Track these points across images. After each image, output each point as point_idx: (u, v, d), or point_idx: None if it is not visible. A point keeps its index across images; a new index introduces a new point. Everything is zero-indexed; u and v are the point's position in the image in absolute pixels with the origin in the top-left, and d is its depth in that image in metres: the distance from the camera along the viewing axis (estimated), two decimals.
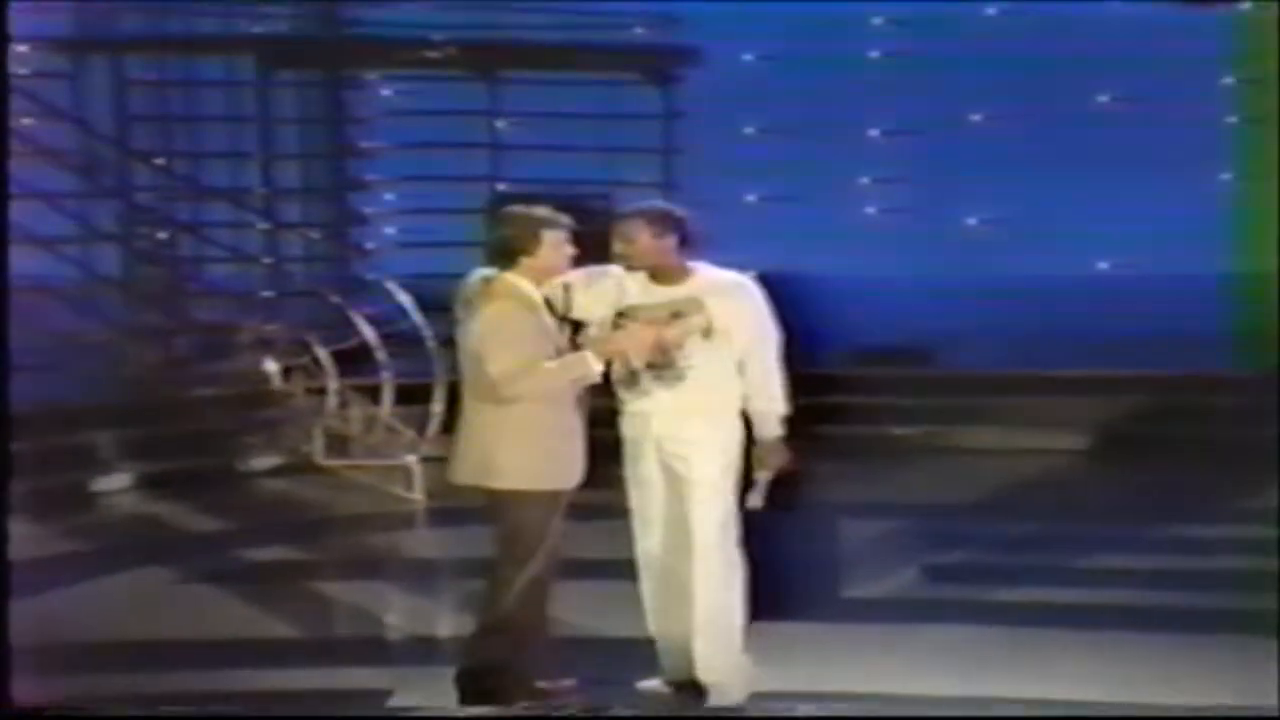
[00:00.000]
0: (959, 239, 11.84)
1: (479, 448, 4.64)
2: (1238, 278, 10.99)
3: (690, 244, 4.89)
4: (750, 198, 12.02)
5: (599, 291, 4.90)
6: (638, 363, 4.88)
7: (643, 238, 4.83)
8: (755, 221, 11.47)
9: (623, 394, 4.98)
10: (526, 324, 4.61)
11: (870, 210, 12.14)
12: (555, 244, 4.68)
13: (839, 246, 11.31)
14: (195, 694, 5.12)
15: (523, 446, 4.61)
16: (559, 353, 4.68)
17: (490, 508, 4.70)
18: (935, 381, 10.13)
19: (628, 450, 4.98)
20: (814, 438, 7.89)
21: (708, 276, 4.90)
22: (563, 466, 4.68)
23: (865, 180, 12.14)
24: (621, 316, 4.91)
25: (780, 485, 4.96)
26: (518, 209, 4.74)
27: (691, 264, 4.91)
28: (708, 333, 4.86)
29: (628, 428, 4.98)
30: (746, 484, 4.92)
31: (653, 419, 4.92)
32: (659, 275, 4.89)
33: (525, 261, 4.67)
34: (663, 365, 4.89)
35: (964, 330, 10.89)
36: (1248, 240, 10.96)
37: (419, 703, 4.95)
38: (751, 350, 4.88)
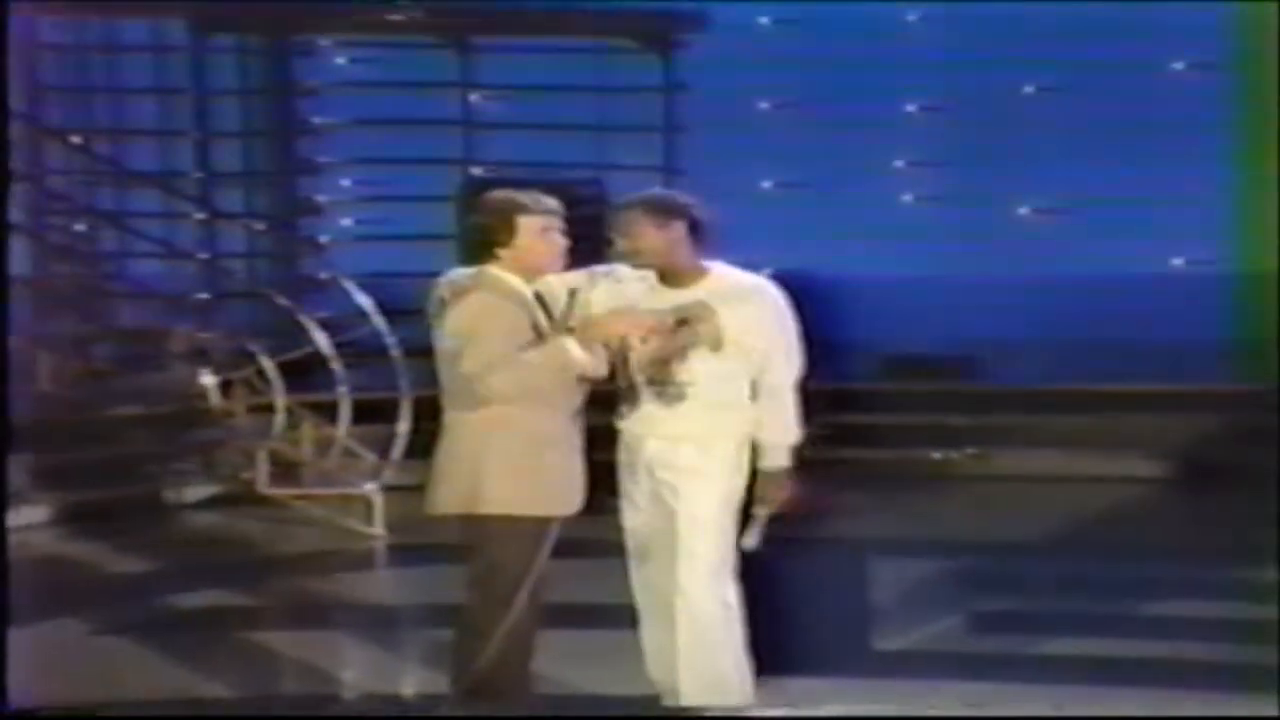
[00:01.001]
0: (1009, 231, 11.88)
1: (463, 469, 4.67)
2: None
3: (703, 238, 4.93)
4: (765, 184, 12.07)
5: (604, 293, 4.96)
6: (636, 369, 4.93)
7: (644, 230, 4.87)
8: (770, 212, 11.51)
9: (621, 410, 5.04)
10: (506, 316, 4.65)
11: (906, 198, 12.18)
12: (535, 231, 4.71)
13: (868, 240, 11.36)
14: None
15: (513, 466, 4.65)
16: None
17: (469, 540, 4.73)
18: (979, 397, 10.19)
19: (621, 474, 5.04)
20: (838, 463, 7.94)
21: (723, 278, 4.94)
22: (558, 489, 4.71)
23: (900, 163, 12.18)
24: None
25: (788, 521, 5.00)
26: (492, 195, 4.78)
27: (706, 263, 4.95)
28: (716, 344, 4.89)
29: (622, 449, 5.04)
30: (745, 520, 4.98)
31: (646, 441, 4.97)
32: (668, 276, 4.93)
33: (503, 254, 4.70)
34: (663, 380, 4.93)
35: (1014, 338, 10.95)
36: None
37: None
38: (766, 367, 4.91)
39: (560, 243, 4.76)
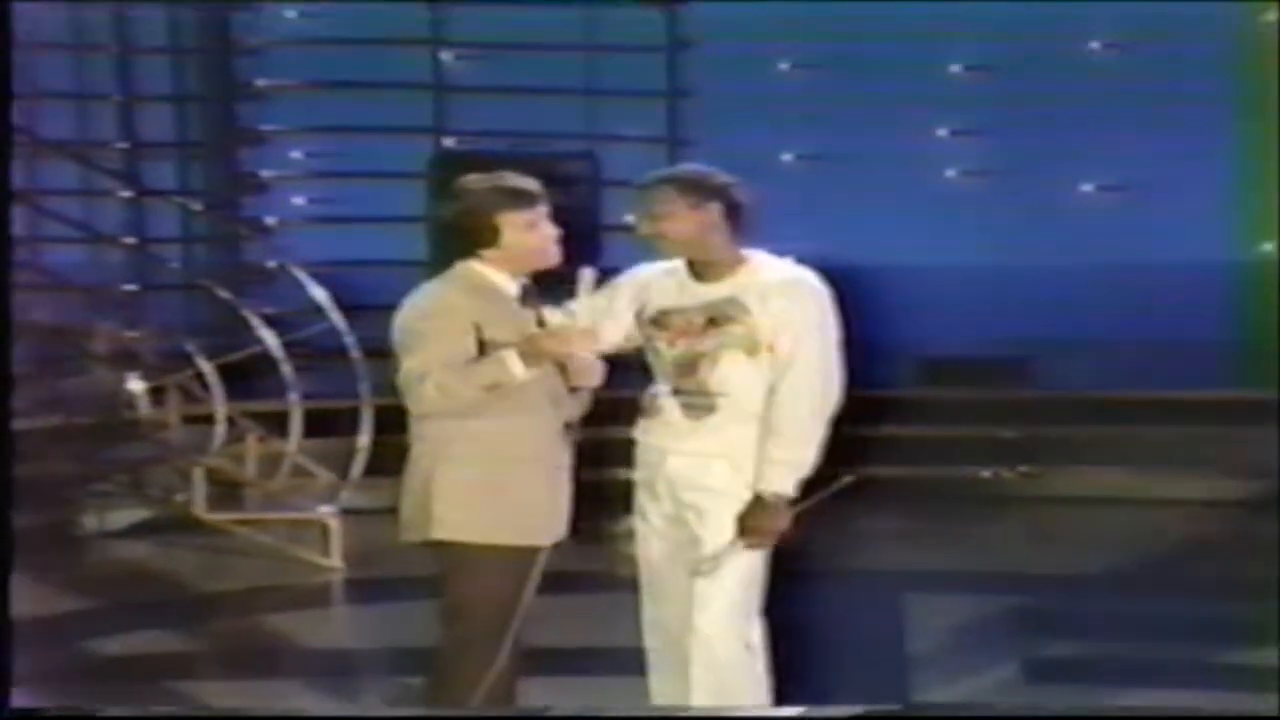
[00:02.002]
0: (1069, 212, 11.89)
1: (415, 489, 4.71)
2: None
3: (741, 223, 4.93)
4: (785, 157, 12.07)
5: (629, 291, 4.99)
6: (660, 376, 4.94)
7: (675, 211, 4.88)
8: (790, 189, 11.50)
9: (640, 422, 5.06)
10: (457, 316, 4.65)
11: (949, 173, 12.19)
12: (521, 228, 4.72)
13: (904, 222, 11.38)
14: None
15: (466, 486, 4.66)
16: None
17: (440, 572, 4.74)
18: (1034, 406, 10.20)
19: (637, 494, 5.06)
20: (871, 483, 7.95)
21: (760, 270, 4.94)
22: (531, 515, 4.72)
23: (942, 132, 12.19)
24: (654, 325, 5.00)
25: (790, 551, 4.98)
26: (472, 182, 4.79)
27: (745, 251, 4.96)
28: (751, 348, 4.90)
29: (640, 465, 5.05)
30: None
31: (669, 457, 4.98)
32: (700, 267, 4.95)
33: (488, 254, 4.73)
34: (690, 390, 4.94)
35: (1075, 336, 10.96)
36: None
37: None
38: (789, 370, 4.88)
39: (550, 233, 4.77)
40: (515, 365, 4.63)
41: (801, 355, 4.89)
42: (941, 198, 11.93)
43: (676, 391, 4.95)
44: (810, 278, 4.95)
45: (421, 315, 4.67)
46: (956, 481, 9.67)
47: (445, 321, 4.65)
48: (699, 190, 4.90)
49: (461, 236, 4.74)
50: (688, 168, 5.04)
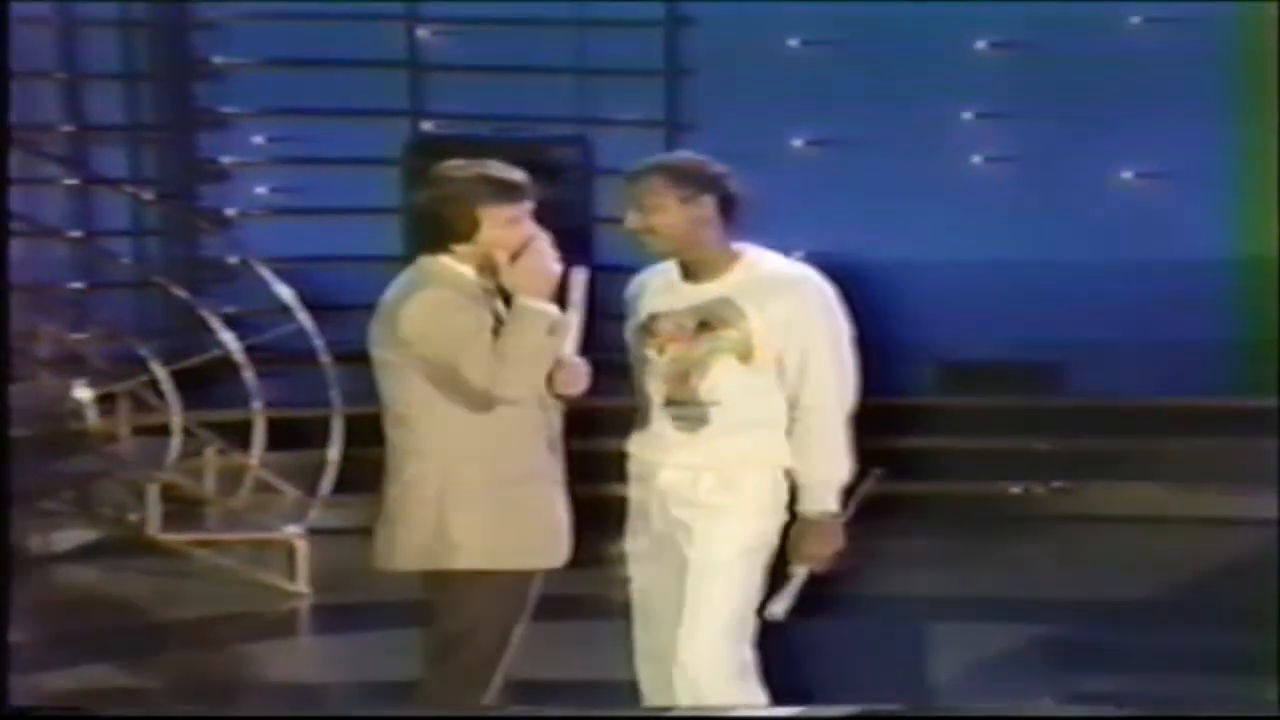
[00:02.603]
0: (1106, 202, 11.89)
1: (424, 514, 4.71)
2: None
3: (734, 218, 4.96)
4: (795, 142, 12.08)
5: (633, 298, 5.01)
6: (650, 385, 4.95)
7: (664, 203, 4.89)
8: (800, 178, 11.51)
9: (632, 435, 5.08)
10: (472, 312, 4.70)
11: (974, 159, 12.20)
12: (502, 223, 4.73)
13: (925, 213, 11.39)
14: None
15: (485, 507, 4.69)
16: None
17: (432, 603, 4.76)
18: (1068, 415, 10.23)
19: (630, 514, 5.07)
20: (888, 500, 7.92)
21: (755, 267, 4.95)
22: (541, 535, 4.77)
23: (967, 115, 12.20)
24: (644, 331, 5.02)
25: (824, 581, 5.01)
26: (453, 168, 4.79)
27: (739, 247, 4.98)
28: (745, 354, 4.92)
29: (632, 481, 5.08)
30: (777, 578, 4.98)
31: (660, 472, 5.00)
32: (691, 265, 4.97)
33: (461, 249, 4.74)
34: (681, 399, 4.95)
35: (1112, 338, 10.96)
36: None
37: None
38: (803, 381, 4.91)
39: (528, 232, 4.77)
40: (534, 303, 4.70)
41: (816, 363, 4.91)
42: (965, 187, 11.93)
43: (668, 403, 4.97)
44: (811, 275, 4.97)
45: (440, 315, 4.69)
46: (982, 498, 9.67)
47: (467, 313, 4.69)
48: (692, 181, 4.92)
49: (435, 228, 4.75)
50: (679, 156, 5.08)
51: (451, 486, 4.70)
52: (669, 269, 5.01)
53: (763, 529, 4.97)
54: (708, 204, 4.91)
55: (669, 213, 4.90)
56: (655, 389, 4.99)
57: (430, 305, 4.70)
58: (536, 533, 4.76)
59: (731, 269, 4.94)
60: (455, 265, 4.76)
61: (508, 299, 4.78)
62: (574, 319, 4.87)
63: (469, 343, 4.66)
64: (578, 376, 4.82)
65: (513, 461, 4.73)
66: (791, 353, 4.90)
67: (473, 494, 4.70)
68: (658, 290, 5.00)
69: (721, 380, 4.92)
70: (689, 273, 4.97)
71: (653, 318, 4.99)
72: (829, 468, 4.94)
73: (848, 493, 4.99)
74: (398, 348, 4.72)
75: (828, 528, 4.93)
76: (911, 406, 9.78)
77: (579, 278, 4.88)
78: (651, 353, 4.99)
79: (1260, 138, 11.40)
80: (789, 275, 4.95)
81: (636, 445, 5.05)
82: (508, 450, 4.72)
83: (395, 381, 4.75)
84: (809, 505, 4.93)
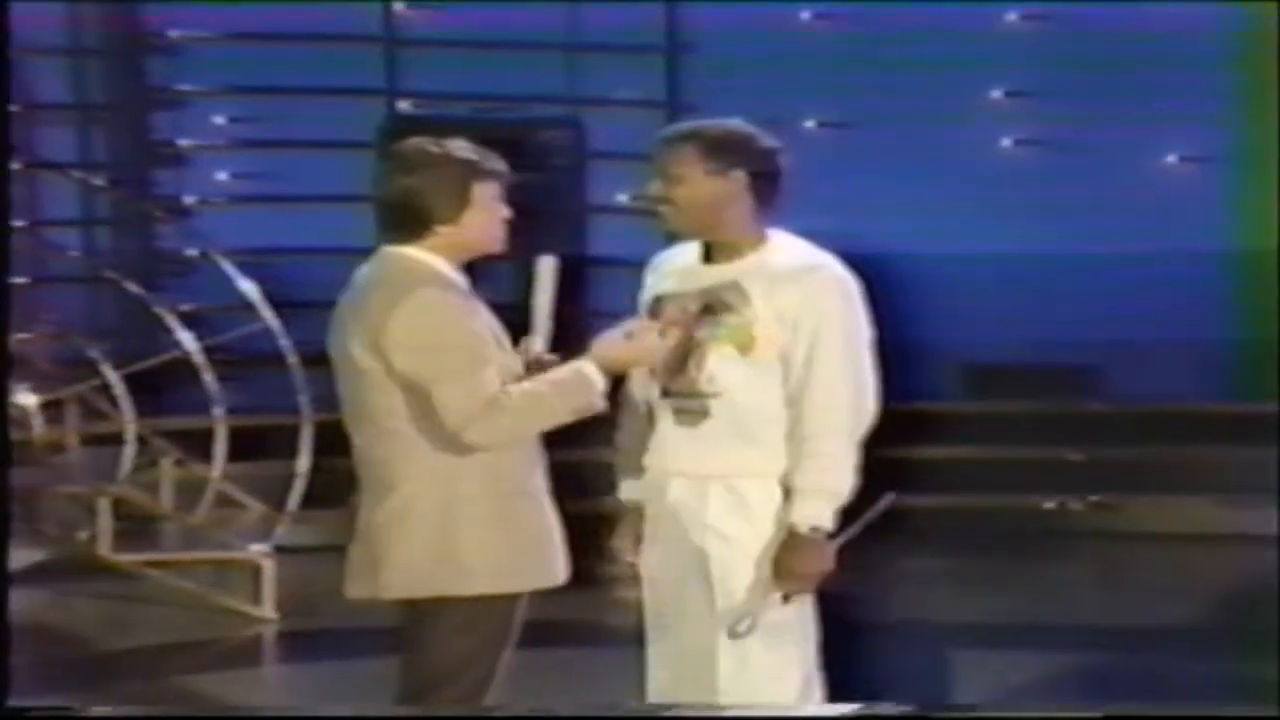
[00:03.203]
0: (1147, 189, 11.90)
1: (423, 536, 4.70)
2: None
3: (769, 196, 4.91)
4: (807, 124, 12.09)
5: (650, 279, 4.98)
6: (650, 374, 4.95)
7: (689, 174, 4.86)
8: (811, 161, 11.45)
9: (633, 431, 5.06)
10: (471, 324, 4.68)
11: (1003, 142, 12.22)
12: (486, 202, 4.73)
13: (949, 201, 11.39)
14: None
15: (488, 526, 4.70)
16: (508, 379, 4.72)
17: (415, 631, 4.75)
18: (1106, 421, 10.23)
19: (645, 529, 5.05)
20: (910, 514, 7.95)
21: (776, 252, 4.92)
22: (539, 553, 4.77)
23: (996, 94, 12.23)
24: (650, 314, 4.98)
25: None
26: (431, 146, 4.80)
27: (768, 231, 4.94)
28: (745, 343, 4.88)
29: (641, 489, 5.04)
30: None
31: (669, 483, 4.97)
32: (712, 247, 4.94)
33: (444, 231, 4.72)
34: (680, 391, 4.94)
35: (1154, 337, 10.96)
36: None
37: None
38: (807, 377, 4.86)
39: (503, 214, 4.76)
40: (599, 381, 4.71)
41: (823, 359, 4.85)
42: (992, 172, 11.93)
43: (666, 393, 4.94)
44: (831, 264, 4.91)
45: (432, 325, 4.66)
46: (1012, 513, 9.68)
47: (466, 328, 4.66)
48: (725, 153, 4.88)
49: (421, 203, 4.72)
50: (719, 124, 4.98)
51: (457, 506, 4.69)
52: (691, 250, 4.99)
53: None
54: (738, 180, 4.87)
55: (692, 185, 4.86)
56: (655, 377, 4.96)
57: (432, 310, 4.67)
58: (542, 550, 4.77)
59: (750, 253, 4.91)
60: (429, 258, 4.74)
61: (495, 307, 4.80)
62: (544, 311, 4.85)
63: (468, 370, 4.63)
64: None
65: (512, 475, 4.74)
66: (798, 348, 4.85)
67: (481, 512, 4.70)
68: (672, 272, 4.99)
69: (720, 371, 4.88)
70: (709, 254, 4.95)
71: (658, 300, 4.98)
72: (825, 477, 4.84)
73: (851, 512, 4.92)
74: (380, 354, 4.70)
75: (815, 546, 4.84)
76: (931, 412, 9.80)
77: (546, 266, 4.85)
78: (653, 338, 4.91)
79: None
80: (805, 263, 4.90)
81: (640, 443, 5.02)
82: (507, 462, 4.74)
83: (380, 393, 4.70)
84: (796, 517, 4.84)
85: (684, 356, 4.91)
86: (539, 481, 4.81)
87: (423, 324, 4.66)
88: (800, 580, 4.86)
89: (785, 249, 4.92)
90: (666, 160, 4.89)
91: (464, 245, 4.75)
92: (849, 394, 4.89)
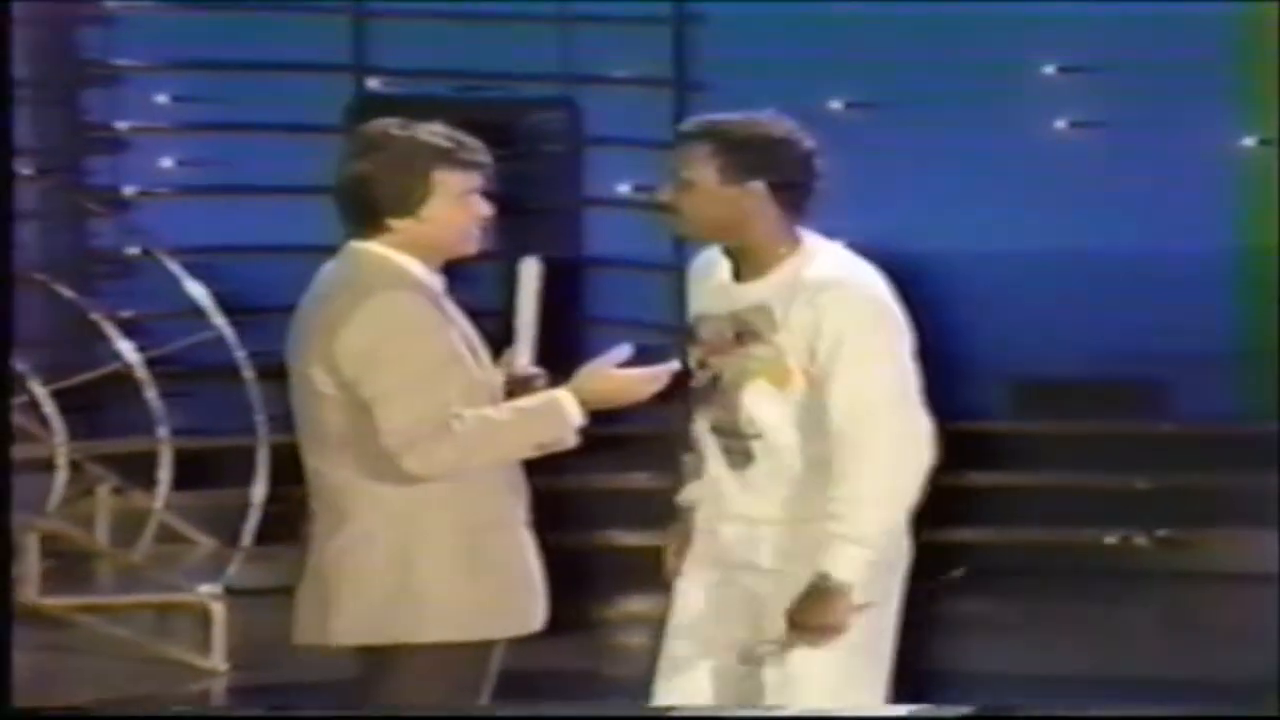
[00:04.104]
0: (1222, 174, 11.91)
1: (376, 577, 4.70)
2: None
3: (802, 202, 4.87)
4: (833, 104, 12.13)
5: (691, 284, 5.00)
6: (695, 408, 4.96)
7: (700, 178, 4.85)
8: (838, 148, 11.51)
9: (686, 467, 5.08)
10: (435, 334, 4.67)
11: (1058, 124, 12.24)
12: (455, 195, 4.72)
13: (997, 192, 11.40)
14: None
15: (452, 565, 4.69)
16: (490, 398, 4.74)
17: (374, 682, 4.75)
18: (1175, 444, 10.22)
19: (686, 566, 5.05)
20: (956, 550, 7.95)
21: (805, 265, 4.88)
22: (512, 595, 4.76)
23: (1049, 70, 12.24)
24: (689, 333, 4.99)
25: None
26: (393, 129, 4.78)
27: (801, 237, 4.89)
28: (780, 376, 4.89)
29: (692, 527, 5.04)
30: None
31: (720, 528, 4.99)
32: (740, 257, 4.91)
33: (401, 226, 4.72)
34: (725, 428, 4.94)
35: (1227, 349, 10.96)
36: None
37: None
38: (835, 405, 4.82)
39: (481, 211, 4.75)
40: (574, 415, 4.68)
41: (847, 387, 4.82)
42: (1046, 158, 11.95)
43: (714, 430, 4.95)
44: (854, 278, 4.86)
45: (387, 332, 4.65)
46: (1068, 550, 9.70)
47: (428, 339, 4.65)
48: (744, 159, 4.85)
49: (368, 201, 4.72)
50: (743, 121, 4.93)
51: (418, 541, 4.69)
52: (720, 259, 4.96)
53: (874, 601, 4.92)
54: (756, 193, 4.84)
55: (703, 194, 4.85)
56: (699, 411, 4.98)
57: (387, 314, 4.66)
58: (515, 593, 4.75)
59: (780, 267, 4.88)
60: (396, 256, 4.74)
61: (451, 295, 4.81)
62: (527, 320, 4.83)
63: (418, 387, 4.62)
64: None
65: (484, 506, 4.74)
66: (823, 378, 4.82)
67: (444, 549, 4.69)
68: (707, 283, 4.99)
69: (757, 409, 4.89)
70: (737, 266, 4.93)
71: (699, 320, 4.98)
72: (855, 526, 4.79)
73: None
74: (332, 365, 4.68)
75: (827, 599, 4.81)
76: (975, 433, 9.75)
77: (530, 270, 4.83)
78: (694, 363, 4.96)
79: None
80: (831, 276, 4.85)
81: (690, 483, 5.04)
82: (476, 491, 4.73)
83: (334, 409, 4.70)
84: (825, 565, 4.79)
85: (723, 390, 4.91)
86: (518, 514, 4.79)
87: (375, 330, 4.65)
88: (812, 633, 4.84)
89: (816, 260, 4.87)
90: (678, 159, 4.88)
91: (428, 243, 4.73)
92: (886, 423, 4.83)
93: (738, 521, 4.95)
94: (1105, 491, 9.91)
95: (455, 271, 4.85)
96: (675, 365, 4.80)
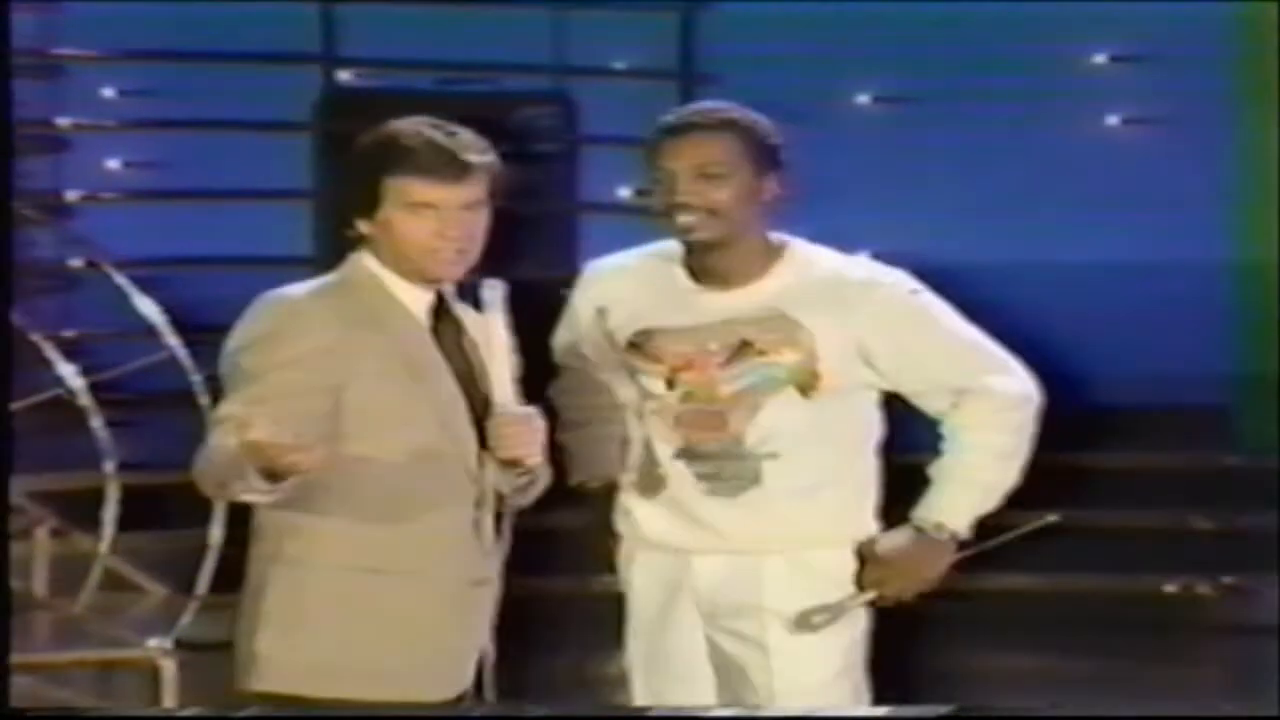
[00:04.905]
0: None
1: (245, 609, 4.80)
2: None
3: (783, 197, 5.05)
4: (860, 98, 12.13)
5: (587, 310, 5.08)
6: (657, 433, 4.99)
7: (739, 174, 4.95)
8: (868, 148, 11.56)
9: (631, 505, 5.12)
10: (306, 340, 4.67)
11: (1110, 119, 12.24)
12: (408, 205, 4.69)
13: (1043, 196, 11.41)
14: None
15: (290, 607, 4.71)
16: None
17: None
18: (1243, 478, 10.27)
19: (636, 611, 5.12)
20: (1002, 599, 7.98)
21: (809, 266, 5.02)
22: (404, 654, 4.75)
23: (1099, 58, 12.25)
24: (636, 352, 5.04)
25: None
26: (392, 122, 4.79)
27: (779, 239, 5.05)
28: (808, 383, 4.97)
29: (639, 573, 5.11)
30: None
31: (693, 561, 5.03)
32: (714, 263, 4.99)
33: (368, 232, 4.75)
34: (712, 453, 4.99)
35: None
36: None
37: None
38: (939, 369, 5.03)
39: (451, 230, 4.68)
40: (253, 475, 4.48)
41: (930, 345, 5.02)
42: (1097, 157, 11.94)
43: (686, 455, 5.00)
44: (891, 272, 5.06)
45: (249, 340, 4.72)
46: (1126, 597, 9.70)
47: (279, 351, 4.67)
48: (766, 149, 5.01)
49: (342, 207, 4.79)
50: (738, 110, 5.08)
51: (272, 569, 4.73)
52: (658, 265, 5.06)
53: (859, 635, 5.07)
54: (773, 185, 5.01)
55: (737, 186, 4.95)
56: (663, 435, 5.02)
57: (259, 319, 4.73)
58: (386, 649, 4.72)
59: (772, 269, 5.01)
60: (371, 265, 4.77)
61: (449, 317, 4.79)
62: (499, 347, 4.75)
63: (240, 389, 4.65)
64: (524, 432, 4.71)
65: (364, 550, 4.71)
66: (898, 359, 4.98)
67: (289, 583, 4.72)
68: (649, 294, 5.05)
69: (781, 423, 4.98)
70: (710, 273, 5.01)
71: (647, 334, 5.03)
72: (993, 471, 5.09)
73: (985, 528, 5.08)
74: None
75: (939, 551, 5.04)
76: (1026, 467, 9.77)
77: (493, 294, 4.75)
78: (652, 383, 5.02)
79: None
80: (862, 275, 5.04)
81: (643, 522, 5.08)
82: (357, 536, 4.70)
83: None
84: (936, 515, 5.03)
85: (719, 410, 4.98)
86: (437, 560, 4.75)
87: (239, 336, 4.74)
88: (901, 589, 5.04)
89: (819, 260, 5.05)
90: (699, 153, 4.94)
91: (395, 255, 4.74)
92: (998, 366, 5.19)
93: (727, 552, 5.01)
94: (1165, 532, 9.91)
95: None
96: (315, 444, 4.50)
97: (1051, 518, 5.19)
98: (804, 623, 4.96)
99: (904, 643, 5.12)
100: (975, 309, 5.29)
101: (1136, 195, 11.57)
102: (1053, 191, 11.47)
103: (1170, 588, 9.80)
